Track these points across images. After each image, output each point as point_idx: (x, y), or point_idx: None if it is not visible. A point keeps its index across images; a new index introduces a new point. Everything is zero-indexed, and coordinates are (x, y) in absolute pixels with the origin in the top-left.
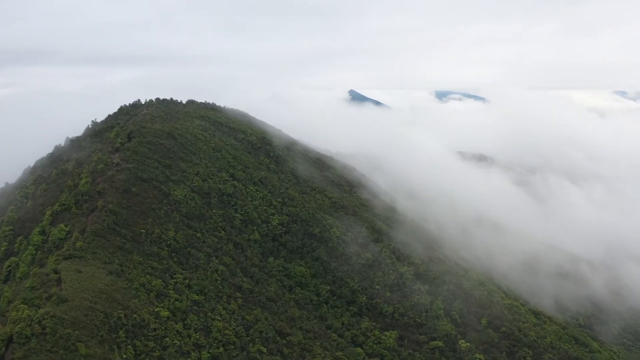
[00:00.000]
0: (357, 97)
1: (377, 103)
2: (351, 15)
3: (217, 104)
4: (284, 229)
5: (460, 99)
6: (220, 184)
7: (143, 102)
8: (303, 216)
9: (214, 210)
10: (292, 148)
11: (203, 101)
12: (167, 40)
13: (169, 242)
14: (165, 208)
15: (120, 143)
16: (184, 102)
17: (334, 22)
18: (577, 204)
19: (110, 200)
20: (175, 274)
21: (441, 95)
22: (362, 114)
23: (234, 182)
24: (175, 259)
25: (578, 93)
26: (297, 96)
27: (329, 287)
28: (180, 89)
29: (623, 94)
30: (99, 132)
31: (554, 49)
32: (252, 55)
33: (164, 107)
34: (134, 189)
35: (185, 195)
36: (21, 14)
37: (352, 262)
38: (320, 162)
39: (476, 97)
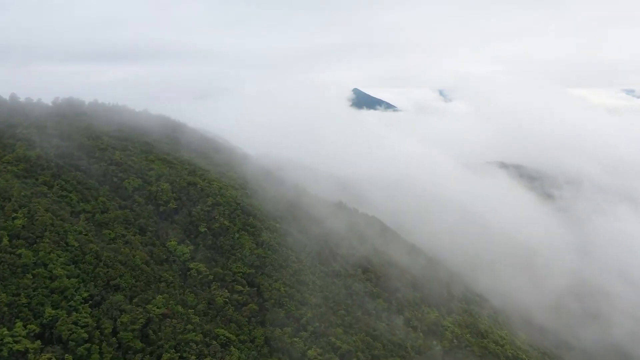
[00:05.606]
0: (361, 97)
1: (382, 103)
2: (358, 10)
3: (122, 106)
4: None
5: (465, 98)
6: None
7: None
8: None
9: None
10: (254, 207)
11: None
12: (163, 36)
13: None
14: None
15: None
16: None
17: (340, 18)
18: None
19: None
20: None
21: (446, 94)
22: (367, 118)
23: None
24: None
25: (587, 91)
26: (297, 96)
27: None
28: (174, 86)
29: (630, 92)
30: None
31: (562, 47)
32: (253, 51)
33: None
34: None
35: None
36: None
37: None
38: (319, 228)
39: (481, 96)
